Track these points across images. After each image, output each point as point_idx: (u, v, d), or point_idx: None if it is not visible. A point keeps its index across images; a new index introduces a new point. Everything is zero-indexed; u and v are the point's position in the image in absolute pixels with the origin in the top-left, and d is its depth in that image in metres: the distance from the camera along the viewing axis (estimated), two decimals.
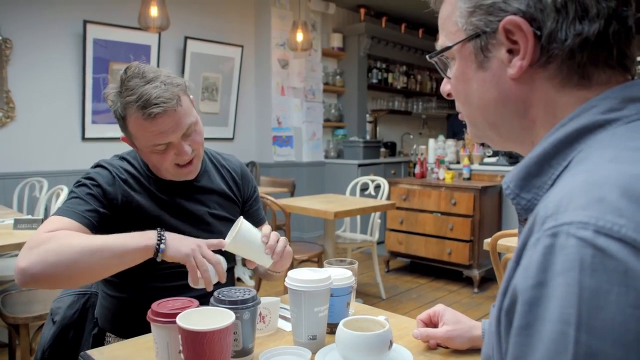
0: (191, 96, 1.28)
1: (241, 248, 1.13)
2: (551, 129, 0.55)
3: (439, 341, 1.04)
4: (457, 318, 1.04)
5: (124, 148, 1.36)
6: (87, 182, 1.23)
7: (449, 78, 0.65)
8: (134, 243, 1.08)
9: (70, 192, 1.24)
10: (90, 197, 1.21)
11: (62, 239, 1.07)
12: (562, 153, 0.52)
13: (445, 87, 0.67)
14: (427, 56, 0.68)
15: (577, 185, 0.45)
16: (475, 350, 1.01)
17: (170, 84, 1.19)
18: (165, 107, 1.16)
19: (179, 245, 1.09)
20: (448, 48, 0.62)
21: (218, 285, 1.10)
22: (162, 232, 1.10)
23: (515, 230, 1.77)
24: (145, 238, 1.09)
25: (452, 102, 0.67)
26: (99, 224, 1.20)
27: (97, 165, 1.29)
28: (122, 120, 1.22)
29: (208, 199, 1.36)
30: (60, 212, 1.17)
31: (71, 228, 1.13)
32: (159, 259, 1.09)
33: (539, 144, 0.55)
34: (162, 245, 1.08)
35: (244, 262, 1.20)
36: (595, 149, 0.50)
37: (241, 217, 1.15)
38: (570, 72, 0.54)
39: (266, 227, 1.20)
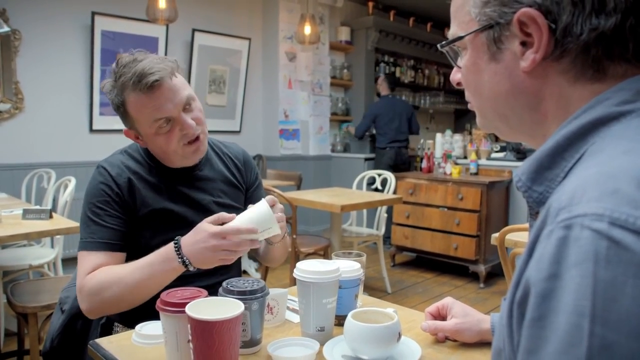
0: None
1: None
2: (564, 122, 0.54)
3: (447, 334, 1.03)
4: (466, 311, 1.04)
5: (131, 141, 1.36)
6: (98, 201, 1.24)
7: (460, 67, 0.64)
8: (162, 271, 1.14)
9: (86, 215, 1.25)
10: (109, 218, 1.24)
11: (100, 283, 1.16)
12: (575, 145, 0.52)
13: (455, 76, 0.66)
14: (438, 45, 0.67)
15: (591, 177, 0.44)
16: (483, 344, 1.01)
17: (162, 60, 1.22)
18: (161, 75, 1.18)
19: (201, 259, 1.11)
20: (460, 38, 0.61)
21: (226, 275, 1.10)
22: (180, 253, 1.12)
23: (523, 225, 1.77)
24: (169, 262, 1.13)
25: (460, 96, 0.66)
26: (125, 239, 1.25)
27: (99, 167, 1.29)
28: (122, 107, 1.23)
29: (212, 188, 1.37)
30: (88, 246, 1.22)
31: (104, 259, 1.21)
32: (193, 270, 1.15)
33: (551, 136, 0.54)
34: (190, 267, 1.13)
35: (250, 254, 1.21)
36: (609, 142, 0.49)
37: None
38: (584, 66, 0.53)
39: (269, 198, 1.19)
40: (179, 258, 1.11)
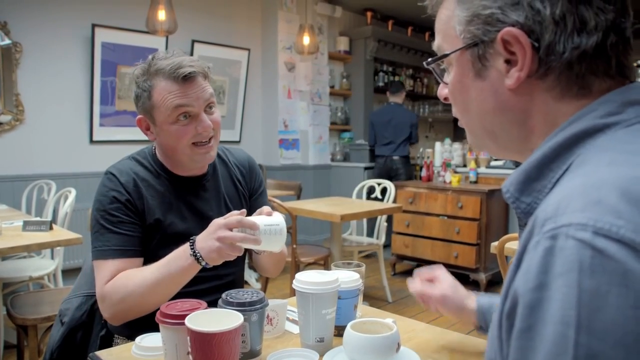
0: None
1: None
2: (550, 135, 0.55)
3: (432, 302, 1.07)
4: (455, 284, 1.08)
5: (131, 151, 1.36)
6: (110, 208, 1.24)
7: (446, 84, 0.65)
8: (178, 269, 1.14)
9: (99, 223, 1.25)
10: (122, 225, 1.24)
11: (121, 288, 1.17)
12: (562, 157, 0.52)
13: (443, 91, 0.67)
14: (424, 63, 0.69)
15: (576, 188, 0.45)
16: (483, 354, 1.01)
17: (198, 61, 1.29)
18: (197, 70, 1.24)
19: (209, 252, 1.10)
20: (445, 55, 0.62)
21: (227, 287, 1.10)
22: (194, 248, 1.12)
23: None
24: (184, 258, 1.13)
25: None
26: (140, 244, 1.26)
27: (107, 173, 1.30)
28: (148, 92, 1.25)
29: (218, 197, 1.37)
30: (103, 254, 1.22)
31: (121, 266, 1.21)
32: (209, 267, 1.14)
33: (538, 148, 0.55)
34: (202, 262, 1.12)
35: (250, 265, 1.21)
36: (594, 153, 0.50)
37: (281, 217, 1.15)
38: (569, 82, 0.54)
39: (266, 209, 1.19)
40: (192, 253, 1.12)
